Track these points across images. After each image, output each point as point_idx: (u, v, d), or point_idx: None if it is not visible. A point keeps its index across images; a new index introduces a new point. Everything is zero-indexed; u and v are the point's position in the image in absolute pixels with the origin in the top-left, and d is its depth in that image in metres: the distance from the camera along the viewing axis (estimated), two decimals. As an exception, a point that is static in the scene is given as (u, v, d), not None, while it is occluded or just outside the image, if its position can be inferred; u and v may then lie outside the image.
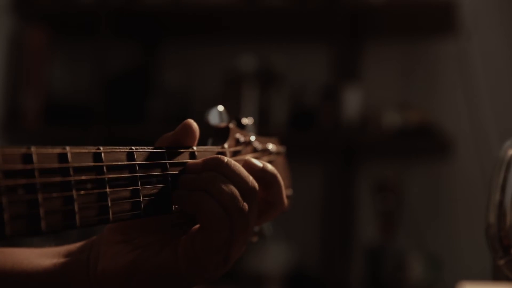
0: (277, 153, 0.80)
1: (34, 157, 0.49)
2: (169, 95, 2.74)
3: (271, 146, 0.78)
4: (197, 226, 0.63)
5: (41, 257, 0.68)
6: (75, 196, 0.52)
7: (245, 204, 0.63)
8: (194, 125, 0.66)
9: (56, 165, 0.51)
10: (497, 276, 0.79)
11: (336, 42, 2.54)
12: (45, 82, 2.80)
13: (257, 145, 0.76)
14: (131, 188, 0.59)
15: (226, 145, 0.71)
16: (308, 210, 2.62)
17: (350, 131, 2.46)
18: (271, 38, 2.84)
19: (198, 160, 0.65)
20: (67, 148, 0.52)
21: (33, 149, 0.49)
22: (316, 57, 2.73)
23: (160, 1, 2.69)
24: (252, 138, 0.75)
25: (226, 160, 0.64)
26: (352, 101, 2.50)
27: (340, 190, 2.52)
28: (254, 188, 0.64)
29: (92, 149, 0.55)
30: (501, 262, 0.71)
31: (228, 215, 0.62)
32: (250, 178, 0.65)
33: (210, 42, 2.87)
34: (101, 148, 0.56)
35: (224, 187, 0.63)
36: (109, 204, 0.56)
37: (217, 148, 0.70)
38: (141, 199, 0.59)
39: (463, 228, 2.58)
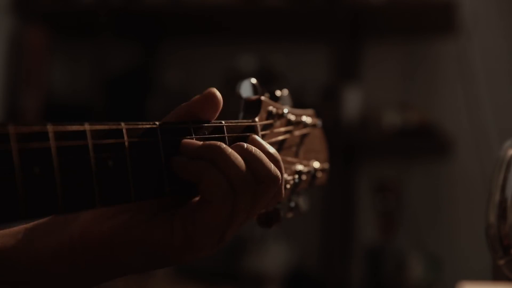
0: (313, 125, 0.75)
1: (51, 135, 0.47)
2: (169, 95, 2.74)
3: (305, 118, 0.74)
4: (197, 200, 0.57)
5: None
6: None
7: (257, 185, 0.57)
8: (218, 95, 0.60)
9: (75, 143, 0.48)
10: (497, 276, 0.79)
11: (336, 42, 2.54)
12: (45, 82, 2.80)
13: (291, 117, 0.71)
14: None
15: (256, 119, 0.66)
16: (308, 210, 2.62)
17: (350, 131, 2.46)
18: (271, 38, 2.84)
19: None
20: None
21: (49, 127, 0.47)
22: (316, 57, 2.73)
23: (160, 1, 2.69)
24: (285, 110, 0.70)
25: (245, 146, 0.59)
26: (352, 101, 2.50)
27: (340, 190, 2.51)
28: (275, 173, 0.58)
29: (113, 126, 0.52)
30: (501, 262, 0.71)
31: (233, 191, 0.56)
32: (272, 165, 0.59)
33: (210, 42, 2.87)
34: (122, 123, 0.53)
35: (233, 159, 0.56)
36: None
37: (247, 122, 0.65)
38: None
39: (463, 228, 2.58)
